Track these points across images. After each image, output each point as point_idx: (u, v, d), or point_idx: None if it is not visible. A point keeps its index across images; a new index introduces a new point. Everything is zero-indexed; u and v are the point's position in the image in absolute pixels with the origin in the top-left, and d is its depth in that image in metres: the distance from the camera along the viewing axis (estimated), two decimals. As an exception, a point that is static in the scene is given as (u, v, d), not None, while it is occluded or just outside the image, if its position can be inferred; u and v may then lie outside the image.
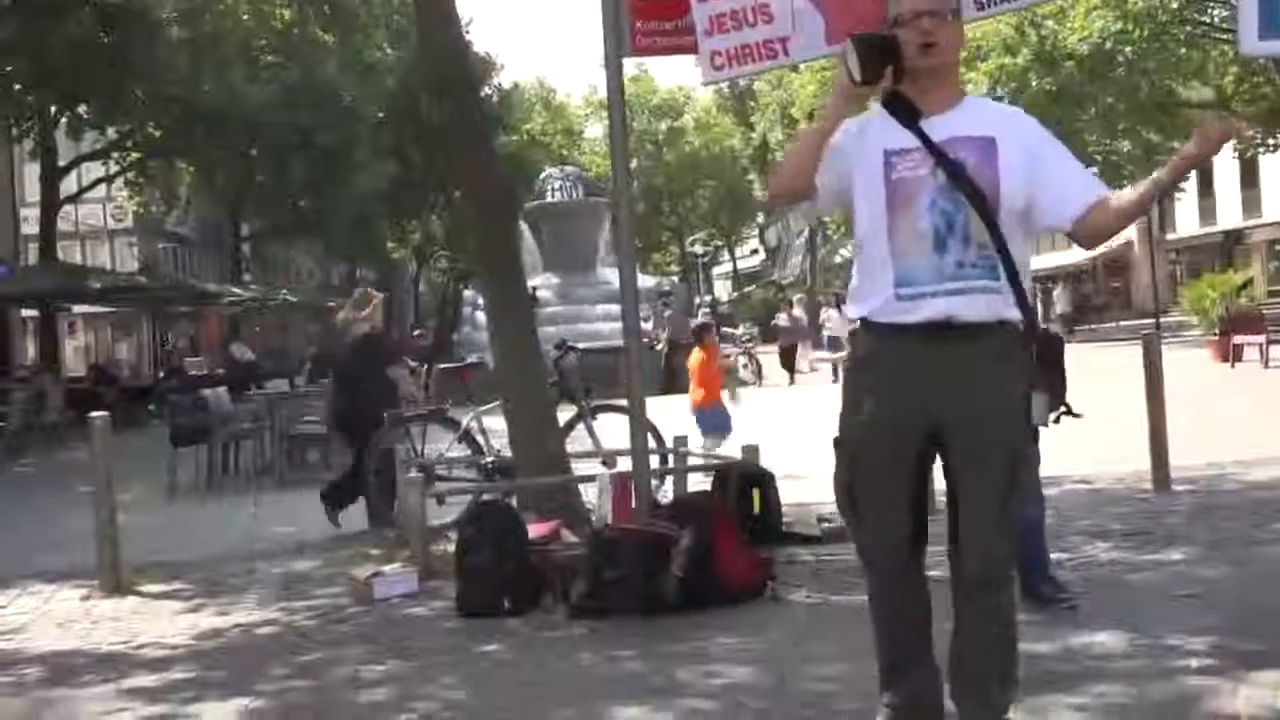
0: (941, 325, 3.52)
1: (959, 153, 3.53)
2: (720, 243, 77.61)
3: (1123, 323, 39.59)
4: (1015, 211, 3.55)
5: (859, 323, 3.74)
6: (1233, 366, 20.65)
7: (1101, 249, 54.53)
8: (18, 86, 22.84)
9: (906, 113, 3.60)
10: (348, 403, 10.08)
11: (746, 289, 74.95)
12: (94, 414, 7.94)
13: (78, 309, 36.22)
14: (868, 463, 3.68)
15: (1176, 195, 46.53)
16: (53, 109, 26.64)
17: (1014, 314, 3.55)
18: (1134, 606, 5.44)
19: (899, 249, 3.56)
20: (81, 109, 26.46)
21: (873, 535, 3.75)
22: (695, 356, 10.95)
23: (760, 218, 73.52)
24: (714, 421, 10.54)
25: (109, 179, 35.42)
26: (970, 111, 3.67)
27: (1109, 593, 5.74)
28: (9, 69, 22.33)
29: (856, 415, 3.70)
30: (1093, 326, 38.23)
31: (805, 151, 3.74)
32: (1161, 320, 33.74)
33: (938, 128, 3.57)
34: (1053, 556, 5.78)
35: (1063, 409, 3.69)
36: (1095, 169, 37.61)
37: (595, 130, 68.54)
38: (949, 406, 3.56)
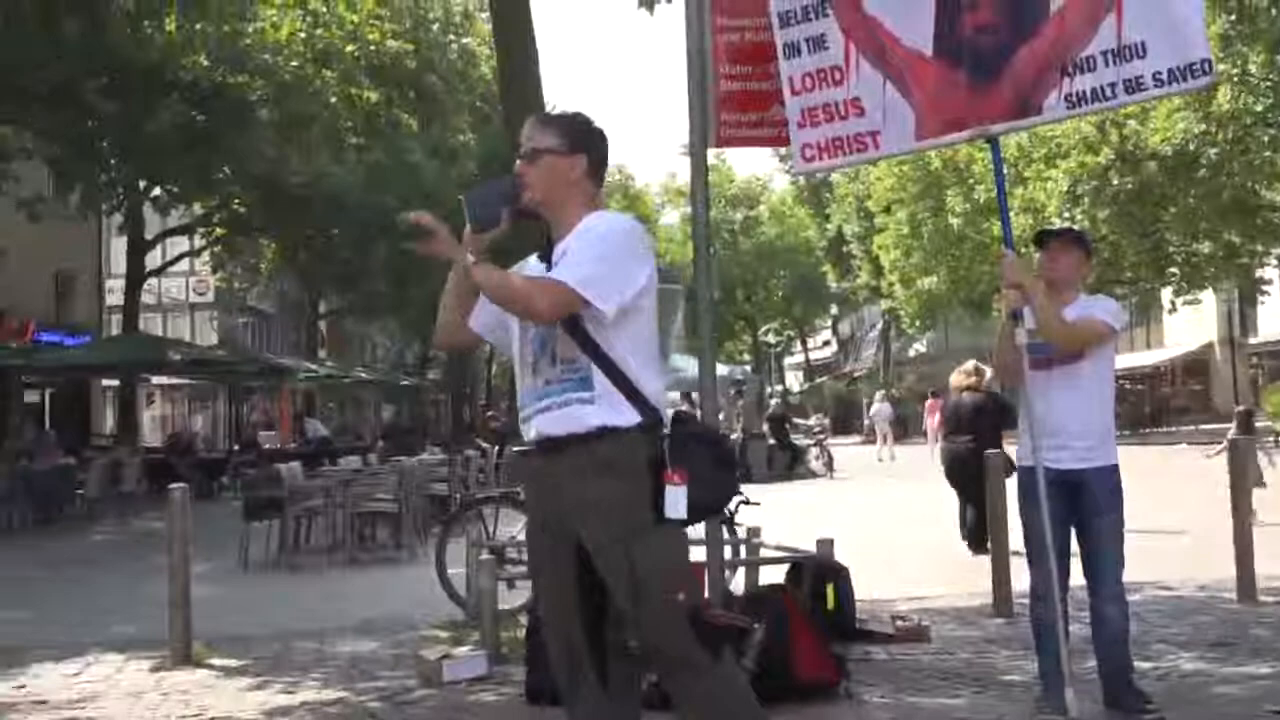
0: (544, 442, 3.61)
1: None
2: (793, 333, 77.64)
3: (1202, 426, 38.82)
4: (597, 317, 3.50)
5: None
6: (1318, 474, 20.07)
7: (1181, 350, 53.98)
8: (112, 161, 23.41)
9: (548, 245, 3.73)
10: (966, 452, 11.68)
11: (818, 379, 74.76)
12: (173, 485, 8.02)
13: (156, 380, 36.82)
14: (532, 566, 3.88)
15: (1260, 298, 45.77)
16: (141, 185, 27.30)
17: (619, 418, 3.51)
18: (1221, 720, 5.28)
19: (521, 377, 3.71)
20: (170, 185, 27.10)
21: (549, 639, 3.75)
22: None
23: (834, 309, 73.48)
24: None
25: (193, 253, 36.11)
26: (577, 230, 3.65)
27: (1194, 706, 5.57)
28: (104, 146, 22.89)
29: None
30: (1171, 429, 37.51)
31: (449, 309, 3.81)
32: (1243, 425, 33.01)
33: (557, 253, 3.66)
34: (1136, 665, 5.63)
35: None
36: (1175, 269, 37.34)
37: (671, 218, 69.15)
38: (571, 517, 3.55)
